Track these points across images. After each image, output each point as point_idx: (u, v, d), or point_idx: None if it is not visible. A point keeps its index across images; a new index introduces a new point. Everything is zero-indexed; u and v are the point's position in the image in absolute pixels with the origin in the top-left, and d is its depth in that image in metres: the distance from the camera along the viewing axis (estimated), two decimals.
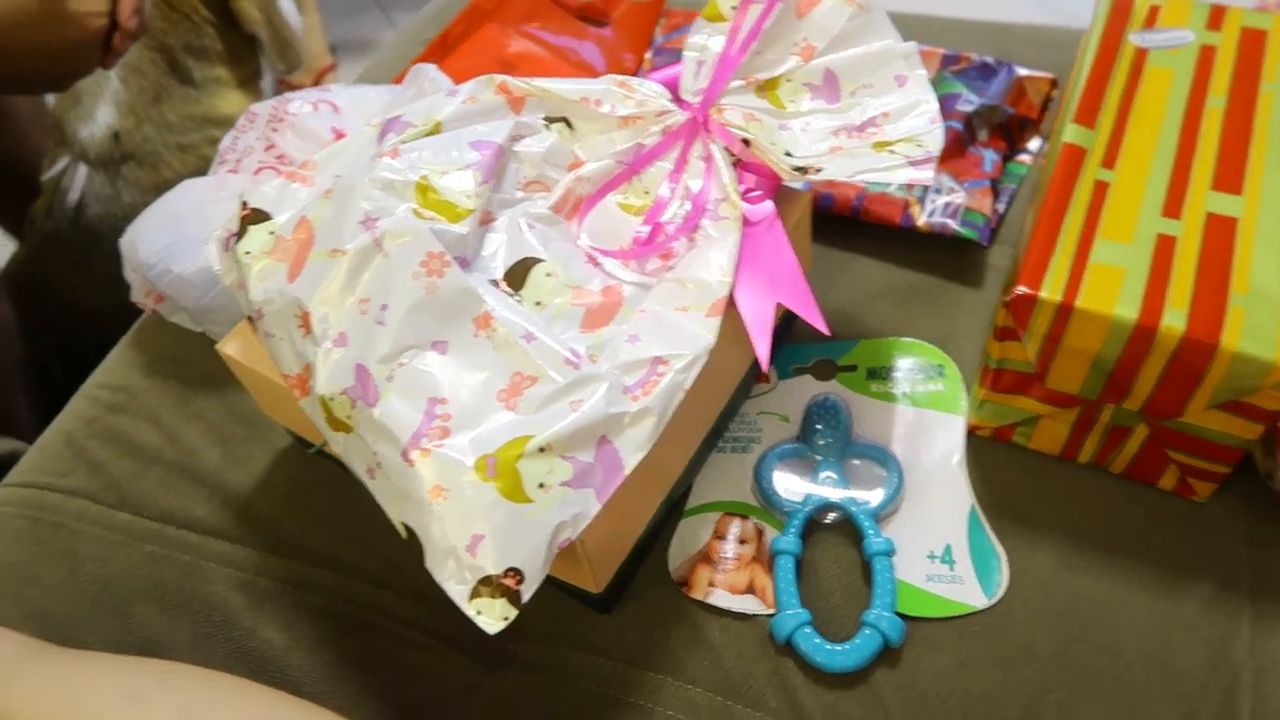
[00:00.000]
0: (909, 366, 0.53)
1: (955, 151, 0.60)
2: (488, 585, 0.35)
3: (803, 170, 0.44)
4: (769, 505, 0.49)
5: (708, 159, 0.46)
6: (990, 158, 0.60)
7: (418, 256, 0.40)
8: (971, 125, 0.61)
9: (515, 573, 0.36)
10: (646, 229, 0.45)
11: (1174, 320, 0.41)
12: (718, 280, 0.43)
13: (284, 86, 1.13)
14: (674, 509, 0.49)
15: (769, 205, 0.45)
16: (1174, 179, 0.47)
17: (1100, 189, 0.46)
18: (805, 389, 0.53)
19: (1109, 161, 0.48)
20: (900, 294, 0.57)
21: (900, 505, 0.48)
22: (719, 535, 0.48)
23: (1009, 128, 0.63)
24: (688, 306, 0.42)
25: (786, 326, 0.55)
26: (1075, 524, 0.47)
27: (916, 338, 0.54)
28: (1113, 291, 0.42)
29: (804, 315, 0.43)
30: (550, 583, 0.45)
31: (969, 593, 0.45)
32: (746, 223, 0.45)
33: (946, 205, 0.57)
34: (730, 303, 0.42)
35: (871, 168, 0.43)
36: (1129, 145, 0.48)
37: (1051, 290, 0.42)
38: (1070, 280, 0.43)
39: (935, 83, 0.64)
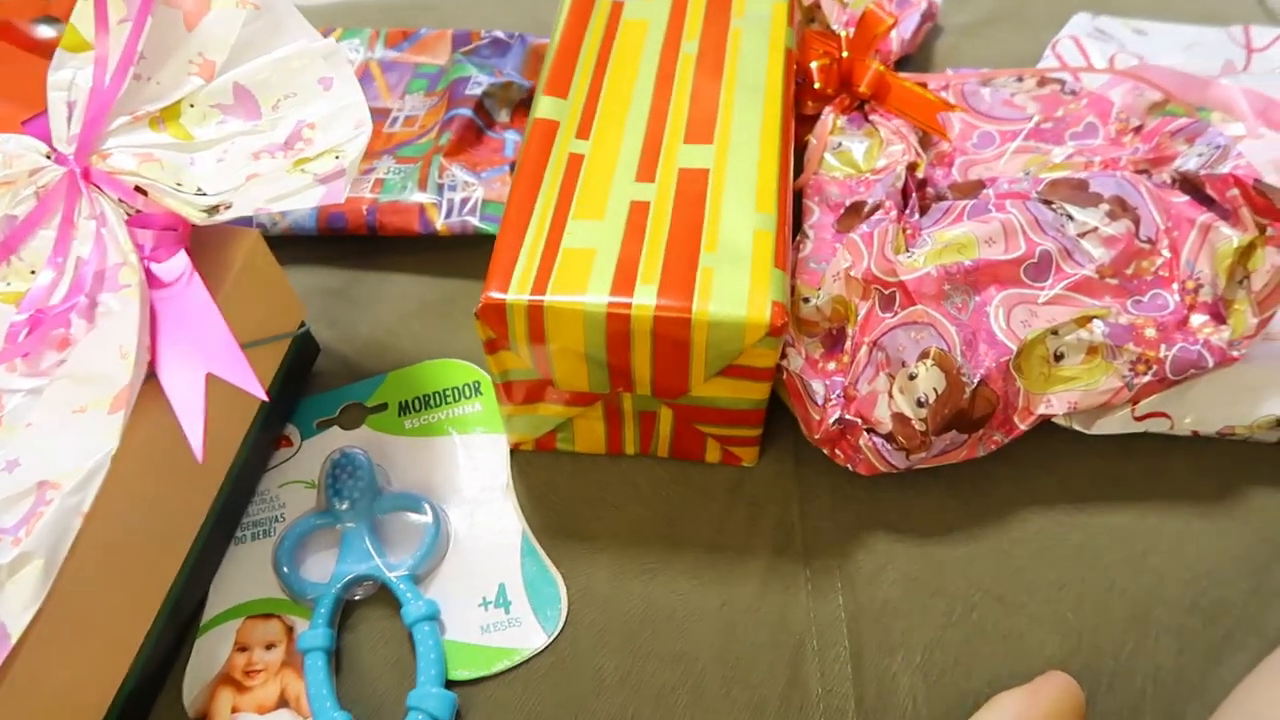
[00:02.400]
0: (443, 390, 0.47)
1: (470, 140, 0.55)
2: None
3: (213, 209, 0.37)
4: (294, 595, 0.42)
5: (98, 218, 0.38)
6: (513, 140, 0.56)
7: None
8: (485, 108, 0.56)
9: None
10: (23, 318, 0.36)
11: (644, 298, 0.37)
12: (117, 366, 0.35)
13: None
14: (186, 628, 0.41)
15: (183, 260, 0.37)
16: (648, 139, 0.43)
17: (574, 164, 0.42)
18: (334, 443, 0.46)
19: (583, 131, 0.44)
20: (435, 309, 0.51)
21: (444, 554, 0.43)
22: (241, 646, 0.41)
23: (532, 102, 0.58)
24: (86, 406, 0.34)
25: (304, 375, 0.48)
26: (633, 524, 0.43)
27: (452, 355, 0.49)
28: (583, 279, 0.38)
29: (239, 384, 0.36)
30: None
31: (528, 634, 0.41)
32: (158, 284, 0.37)
33: (464, 202, 0.52)
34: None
35: (281, 193, 0.37)
36: (604, 109, 0.45)
37: (519, 290, 0.38)
38: (539, 275, 0.38)
39: (448, 68, 0.59)
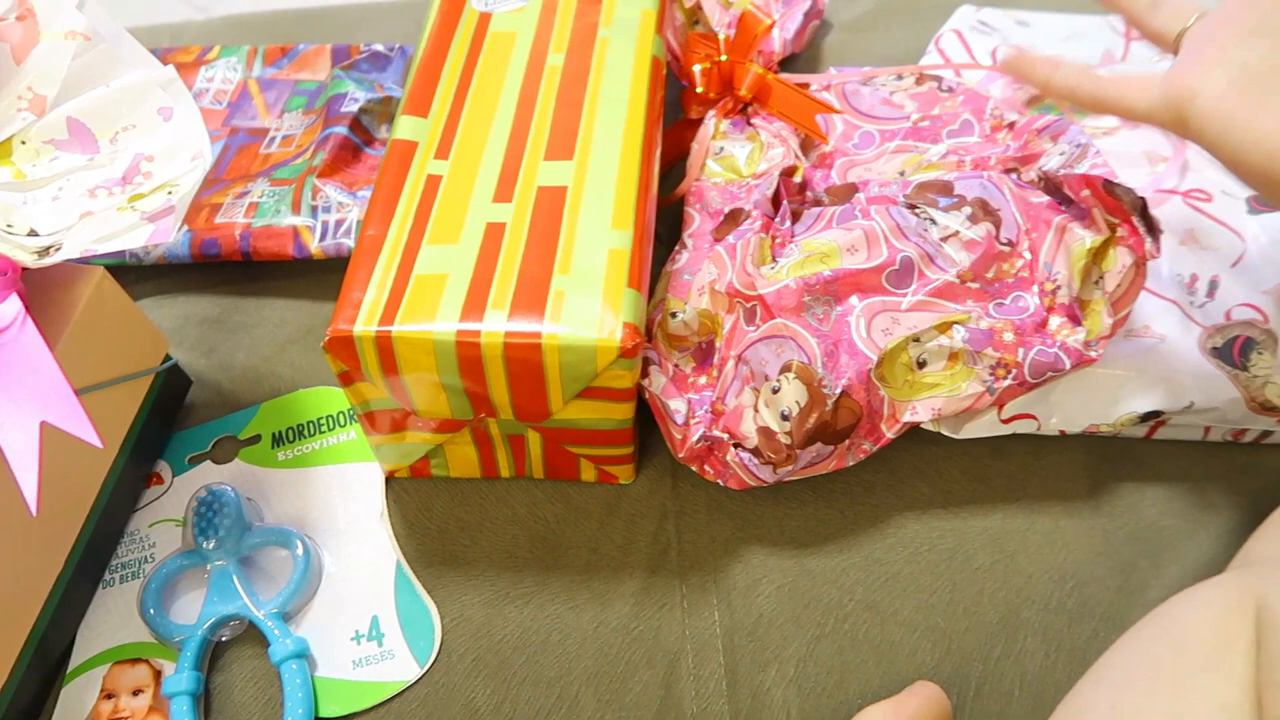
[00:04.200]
0: (317, 420, 0.47)
1: (345, 159, 0.53)
2: None
3: (45, 250, 0.36)
4: (161, 638, 0.41)
5: None
6: None
7: None
8: (362, 125, 0.55)
9: None
10: None
11: (494, 324, 0.37)
12: None
13: None
14: (52, 676, 0.40)
15: (14, 304, 0.36)
16: (509, 157, 0.43)
17: (432, 186, 0.42)
18: (206, 479, 0.45)
19: (443, 152, 0.43)
20: (313, 335, 0.50)
21: (315, 589, 0.42)
22: (108, 693, 0.40)
23: None
24: None
25: (174, 410, 0.47)
26: (509, 547, 0.43)
27: (328, 382, 0.48)
28: (433, 306, 0.37)
29: (74, 433, 0.35)
30: None
31: (402, 667, 0.40)
32: None
33: (338, 224, 0.51)
34: None
35: (109, 234, 0.36)
36: (465, 128, 0.44)
37: (367, 321, 0.37)
38: (389, 304, 0.37)
39: (327, 84, 0.58)
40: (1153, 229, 0.38)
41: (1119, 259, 0.39)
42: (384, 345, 0.37)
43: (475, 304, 0.37)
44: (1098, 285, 0.40)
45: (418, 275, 0.38)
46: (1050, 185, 0.43)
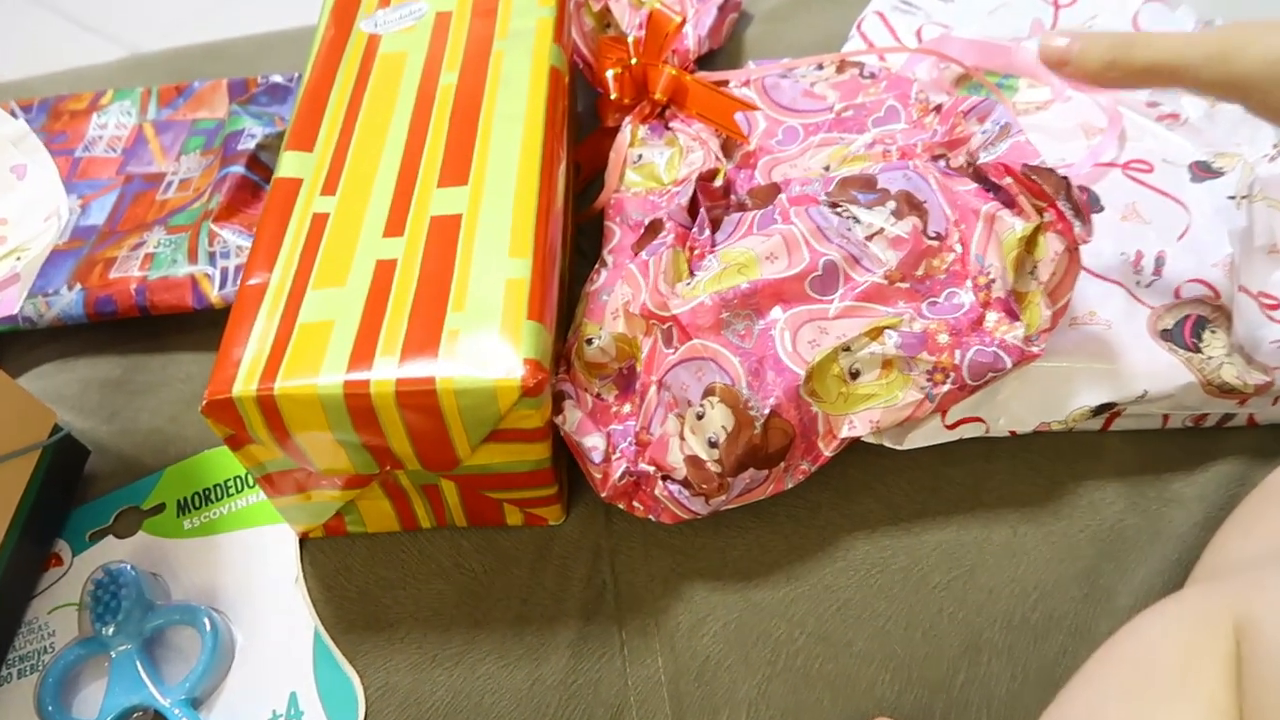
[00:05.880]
0: (224, 482, 0.44)
1: (244, 200, 0.50)
2: None
3: None
4: None
5: None
6: None
7: None
8: (260, 162, 0.52)
9: None
10: None
11: (384, 372, 0.34)
12: None
13: None
14: None
15: None
16: (400, 186, 0.40)
17: (318, 225, 0.39)
18: (109, 555, 0.42)
19: (330, 187, 0.40)
20: None
21: (227, 668, 0.39)
22: None
23: None
24: None
25: (71, 484, 0.44)
26: (434, 604, 0.40)
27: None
28: (318, 357, 0.34)
29: None
30: None
31: None
32: None
33: (238, 270, 0.48)
34: None
35: None
36: (354, 159, 0.41)
37: (247, 381, 0.34)
38: (271, 359, 0.34)
39: (225, 123, 0.55)
40: (1080, 212, 0.36)
41: (1050, 246, 0.36)
42: (267, 404, 0.34)
43: (364, 351, 0.34)
44: (1032, 275, 0.37)
45: (302, 324, 0.35)
46: (978, 172, 0.40)
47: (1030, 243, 0.37)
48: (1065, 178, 0.36)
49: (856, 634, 0.38)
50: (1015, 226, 0.37)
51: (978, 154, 0.39)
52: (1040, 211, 0.37)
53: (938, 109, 0.46)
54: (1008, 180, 0.37)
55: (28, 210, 0.36)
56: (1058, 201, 0.36)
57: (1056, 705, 0.31)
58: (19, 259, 0.34)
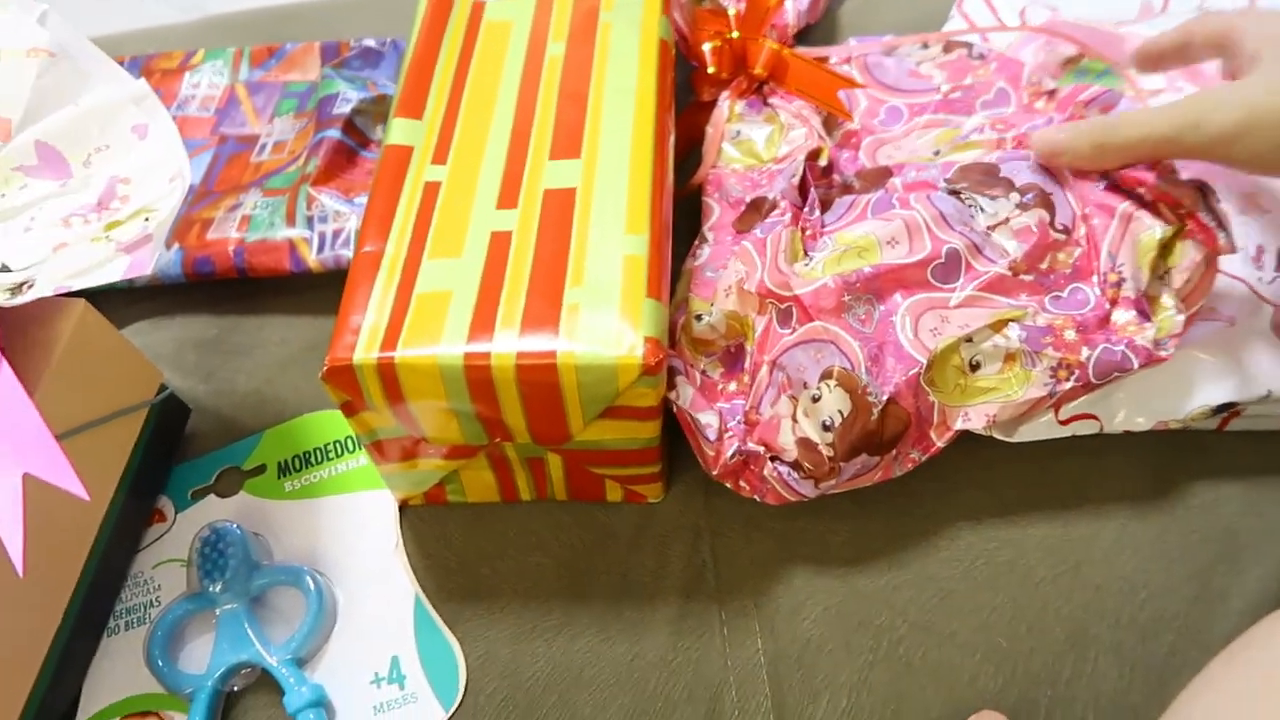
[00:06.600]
0: (324, 446, 0.44)
1: (340, 164, 0.50)
2: None
3: (17, 288, 0.33)
4: (171, 689, 0.38)
5: None
6: None
7: None
8: (356, 127, 0.52)
9: None
10: None
11: (505, 345, 0.34)
12: None
13: None
14: None
15: None
16: (511, 158, 0.39)
17: (430, 194, 0.39)
18: (210, 514, 0.43)
19: (440, 155, 0.40)
20: (315, 354, 0.47)
21: (330, 631, 0.39)
22: None
23: None
24: None
25: (173, 442, 0.44)
26: (534, 576, 0.40)
27: (333, 406, 0.45)
28: (437, 327, 0.34)
29: (57, 483, 0.32)
30: None
31: (426, 711, 0.38)
32: None
33: (336, 234, 0.48)
34: None
35: (84, 268, 0.33)
36: (463, 128, 0.41)
37: (368, 348, 0.34)
38: (390, 327, 0.34)
39: (318, 86, 0.54)
40: (1222, 222, 0.35)
41: (1187, 253, 0.36)
42: (387, 373, 0.34)
43: (483, 322, 0.34)
44: (1163, 280, 0.36)
45: (420, 294, 0.35)
46: (1106, 175, 0.39)
47: (1166, 248, 0.36)
48: (1203, 187, 0.35)
49: (960, 625, 0.37)
50: (1156, 230, 0.36)
51: None
52: (1181, 218, 0.36)
53: (1051, 94, 0.45)
54: (1142, 191, 0.36)
55: (150, 171, 0.36)
56: (1198, 212, 0.35)
57: (1176, 706, 0.31)
58: (147, 219, 0.34)
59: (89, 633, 0.40)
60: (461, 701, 0.38)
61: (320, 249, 0.48)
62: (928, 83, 0.49)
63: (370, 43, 0.55)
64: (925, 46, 0.51)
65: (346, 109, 0.51)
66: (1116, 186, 0.38)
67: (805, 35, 0.57)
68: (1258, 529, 0.38)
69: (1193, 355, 0.38)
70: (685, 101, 0.53)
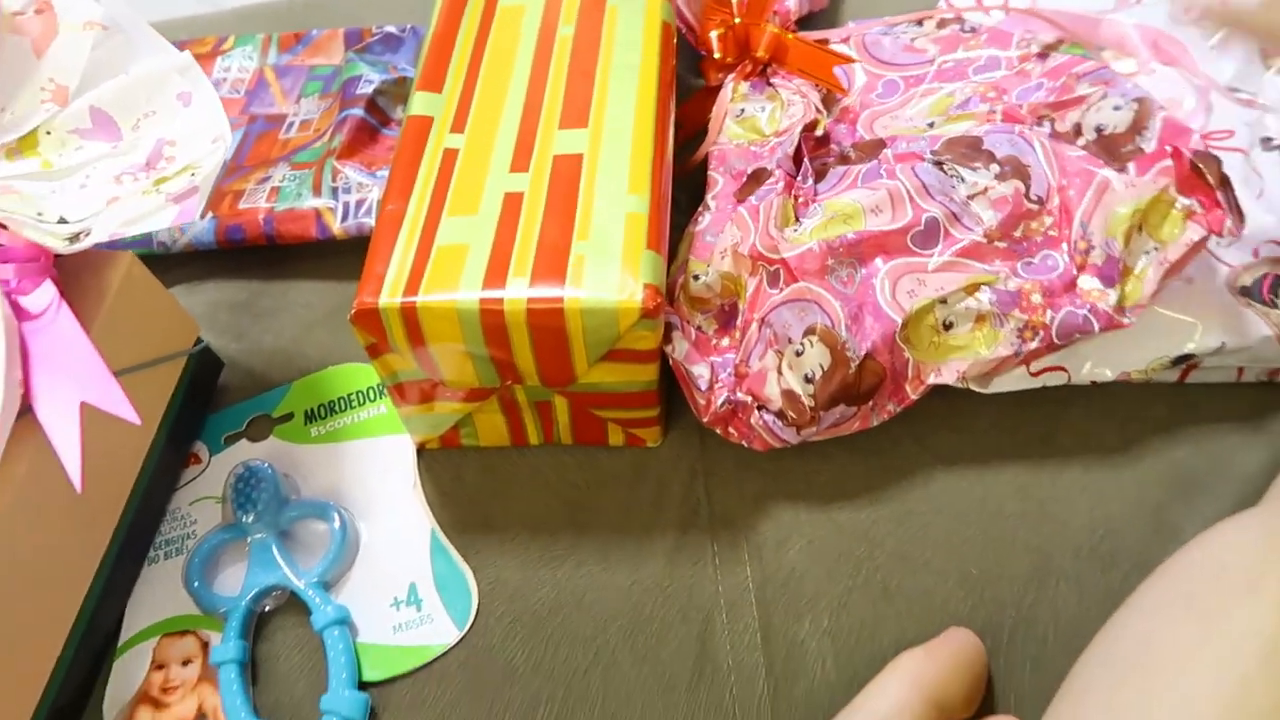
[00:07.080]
0: (347, 395, 0.47)
1: (363, 140, 0.54)
2: None
3: (75, 237, 0.37)
4: (207, 610, 0.42)
5: None
6: None
7: None
8: (378, 106, 0.55)
9: None
10: None
11: (517, 291, 0.37)
12: None
13: None
14: (103, 651, 0.42)
15: (49, 290, 0.37)
16: (524, 127, 0.43)
17: (449, 159, 0.42)
18: (242, 457, 0.46)
19: (458, 125, 0.43)
20: (338, 314, 0.51)
21: (353, 559, 0.43)
22: (158, 664, 0.41)
23: None
24: None
25: (208, 392, 0.48)
26: (541, 513, 0.43)
27: (356, 359, 0.49)
28: (455, 276, 0.38)
29: (112, 411, 0.36)
30: None
31: (440, 631, 0.41)
32: (26, 317, 0.37)
33: (359, 204, 0.51)
34: None
35: (136, 216, 0.37)
36: (480, 101, 0.44)
37: (391, 293, 0.38)
38: (412, 275, 0.38)
39: (342, 68, 0.58)
40: (1236, 206, 0.38)
41: (1186, 232, 0.38)
42: (409, 316, 0.38)
43: (497, 272, 0.38)
44: (1147, 253, 0.39)
45: (439, 247, 0.39)
46: (1106, 144, 0.42)
47: (1148, 219, 0.39)
48: (1222, 167, 0.38)
49: (933, 554, 0.41)
50: (1130, 201, 0.39)
51: (1116, 130, 0.41)
52: (1200, 200, 0.39)
53: (1041, 56, 0.48)
54: (1165, 163, 0.39)
55: (194, 134, 0.40)
56: (1218, 194, 0.38)
57: (1127, 603, 0.34)
58: (193, 174, 0.38)
59: (132, 561, 0.43)
60: (473, 622, 0.41)
61: (344, 217, 0.51)
62: (922, 56, 0.52)
63: (391, 29, 0.59)
64: (920, 24, 0.54)
65: (369, 90, 0.55)
66: (1096, 154, 0.41)
67: (807, 22, 0.60)
68: (1210, 470, 0.41)
69: (1153, 311, 0.41)
70: (694, 88, 0.57)
